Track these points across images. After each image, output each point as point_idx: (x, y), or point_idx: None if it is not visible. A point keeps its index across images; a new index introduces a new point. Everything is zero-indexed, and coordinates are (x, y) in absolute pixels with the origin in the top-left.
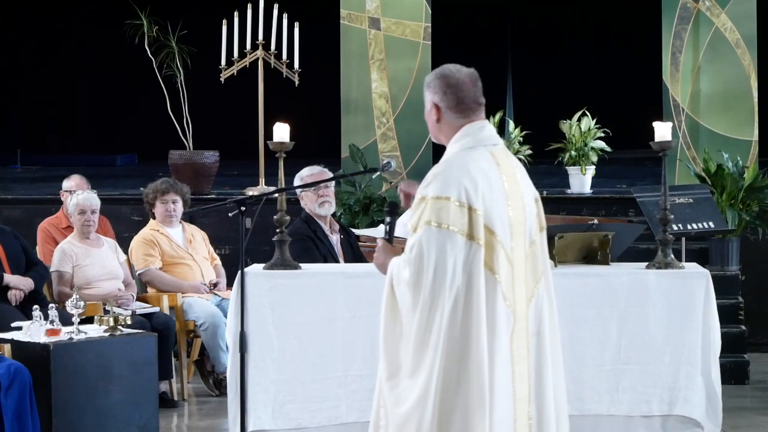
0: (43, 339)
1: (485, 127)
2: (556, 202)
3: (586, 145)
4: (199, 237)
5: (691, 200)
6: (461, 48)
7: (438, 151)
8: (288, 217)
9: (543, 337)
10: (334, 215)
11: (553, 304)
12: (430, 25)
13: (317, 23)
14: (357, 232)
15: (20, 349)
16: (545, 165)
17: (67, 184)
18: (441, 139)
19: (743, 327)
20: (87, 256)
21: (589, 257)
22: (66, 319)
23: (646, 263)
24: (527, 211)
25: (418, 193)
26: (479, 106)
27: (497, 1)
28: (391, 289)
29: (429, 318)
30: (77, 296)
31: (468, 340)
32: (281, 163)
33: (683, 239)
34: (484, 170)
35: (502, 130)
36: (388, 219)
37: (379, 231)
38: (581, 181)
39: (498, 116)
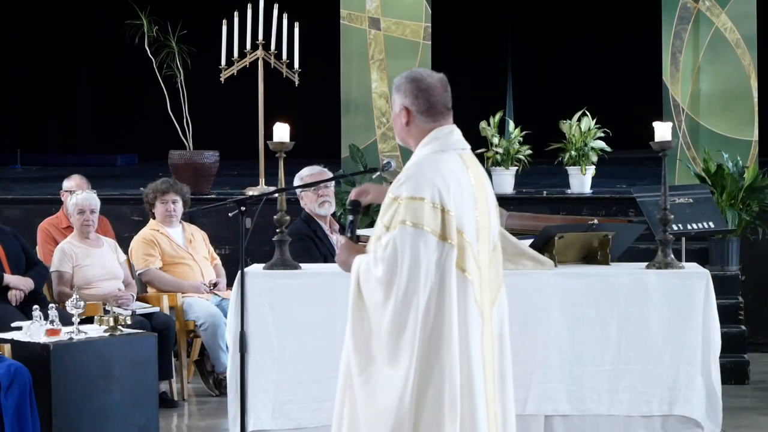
0: (43, 339)
1: (454, 132)
2: (556, 202)
3: (586, 145)
4: (199, 237)
5: (691, 200)
6: (461, 48)
7: None
8: (288, 217)
9: (504, 339)
10: (334, 215)
11: (507, 308)
12: (430, 25)
13: (317, 23)
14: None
15: (20, 349)
16: (545, 165)
17: (67, 184)
18: (408, 141)
19: (743, 327)
20: (87, 256)
21: (589, 257)
22: (66, 319)
23: (646, 263)
24: (491, 215)
25: (390, 192)
26: (448, 111)
27: (497, 1)
28: (358, 286)
29: (403, 315)
30: (77, 296)
31: (440, 340)
32: (281, 163)
33: (683, 239)
34: (454, 173)
35: (502, 130)
36: (350, 217)
37: None
38: (581, 181)
39: (498, 116)
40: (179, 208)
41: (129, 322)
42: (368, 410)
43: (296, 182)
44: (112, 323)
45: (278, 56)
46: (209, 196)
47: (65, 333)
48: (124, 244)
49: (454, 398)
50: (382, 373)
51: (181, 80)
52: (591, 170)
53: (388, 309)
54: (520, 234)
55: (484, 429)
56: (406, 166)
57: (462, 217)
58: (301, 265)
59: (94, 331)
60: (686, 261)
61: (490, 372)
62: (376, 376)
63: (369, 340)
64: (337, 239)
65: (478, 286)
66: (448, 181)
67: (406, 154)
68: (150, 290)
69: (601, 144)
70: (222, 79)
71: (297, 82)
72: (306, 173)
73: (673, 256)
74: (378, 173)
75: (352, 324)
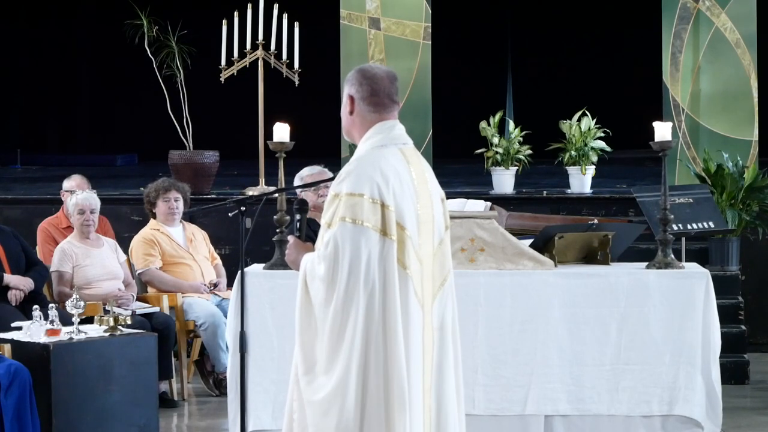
0: (43, 339)
1: (396, 126)
2: (556, 202)
3: (586, 145)
4: (199, 237)
5: (691, 200)
6: (461, 48)
7: (439, 150)
8: (288, 217)
9: (445, 332)
10: None
11: (455, 301)
12: (430, 25)
13: (317, 23)
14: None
15: (20, 349)
16: (545, 165)
17: (67, 184)
18: (353, 134)
19: (743, 327)
20: (87, 256)
21: (589, 257)
22: (66, 319)
23: (646, 263)
24: (435, 209)
25: (332, 189)
26: (393, 103)
27: (497, 2)
28: (305, 284)
29: (344, 313)
30: (77, 296)
31: (386, 334)
32: (281, 163)
33: (683, 239)
34: (395, 168)
35: (502, 130)
36: (298, 216)
37: None
38: (581, 181)
39: (498, 116)
40: (181, 206)
41: (129, 322)
42: (312, 408)
43: (296, 182)
44: (112, 323)
45: (278, 56)
46: (209, 196)
47: (65, 333)
48: (124, 244)
49: (402, 394)
50: (320, 380)
51: (181, 80)
52: (591, 170)
53: (330, 307)
54: (520, 234)
55: (418, 422)
56: (348, 163)
57: (402, 212)
58: None
59: (94, 331)
60: (686, 261)
61: (428, 364)
62: (317, 381)
63: (314, 340)
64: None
65: (418, 281)
66: (387, 176)
67: None
68: (150, 290)
69: (601, 144)
70: (222, 79)
71: (297, 82)
72: (306, 173)
73: (673, 256)
74: None
75: (300, 322)
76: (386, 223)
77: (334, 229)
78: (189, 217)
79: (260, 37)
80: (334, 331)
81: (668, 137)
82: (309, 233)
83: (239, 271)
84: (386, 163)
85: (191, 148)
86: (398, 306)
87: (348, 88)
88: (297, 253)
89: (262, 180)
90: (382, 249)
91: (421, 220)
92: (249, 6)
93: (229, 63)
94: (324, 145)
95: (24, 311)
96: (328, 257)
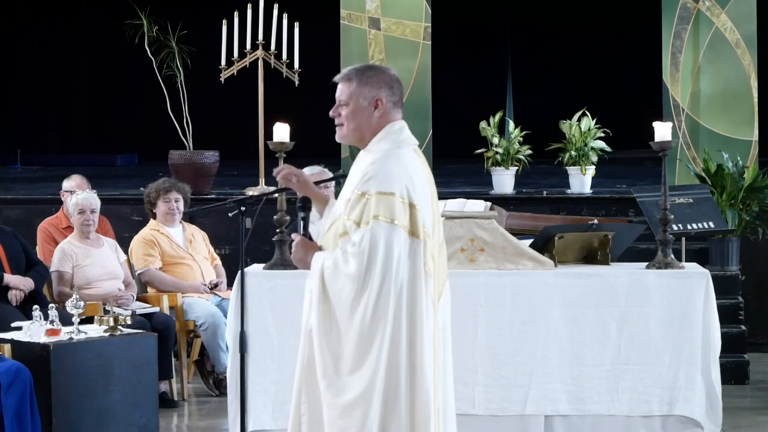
0: (43, 339)
1: (405, 127)
2: (556, 202)
3: (586, 145)
4: (199, 237)
5: (691, 200)
6: (461, 48)
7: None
8: (288, 217)
9: (447, 331)
10: None
11: (450, 302)
12: (430, 25)
13: (317, 23)
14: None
15: (20, 349)
16: (545, 165)
17: (67, 184)
18: (365, 134)
19: (743, 327)
20: (87, 256)
21: (589, 257)
22: (66, 319)
23: (646, 263)
24: (439, 211)
25: (357, 189)
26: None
27: (497, 1)
28: (323, 284)
29: (375, 312)
30: (77, 296)
31: (412, 336)
32: (281, 163)
33: (683, 239)
34: (415, 168)
35: (502, 130)
36: (302, 215)
37: None
38: (581, 181)
39: (498, 116)
40: (181, 206)
41: (129, 322)
42: (335, 410)
43: None
44: (112, 323)
45: (278, 56)
46: (209, 196)
47: (65, 333)
48: (124, 244)
49: (429, 396)
50: (345, 380)
51: (181, 80)
52: (591, 170)
53: (360, 306)
54: (520, 234)
55: (432, 423)
56: (368, 162)
57: (424, 212)
58: None
59: (94, 331)
60: (686, 261)
61: (437, 365)
62: (342, 381)
63: (340, 339)
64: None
65: (433, 280)
66: (412, 177)
67: None
68: (150, 290)
69: (601, 144)
70: (222, 79)
71: (297, 82)
72: (306, 173)
73: (673, 256)
74: None
75: (321, 324)
76: (414, 222)
77: (366, 227)
78: (189, 217)
79: (260, 37)
80: (364, 330)
81: (668, 137)
82: (309, 233)
83: (239, 271)
84: (409, 164)
85: (191, 148)
86: (424, 307)
87: (374, 90)
88: (305, 251)
89: (262, 180)
90: (410, 249)
91: (434, 220)
92: (249, 6)
93: (229, 63)
94: (324, 145)
95: (24, 311)
96: (361, 255)
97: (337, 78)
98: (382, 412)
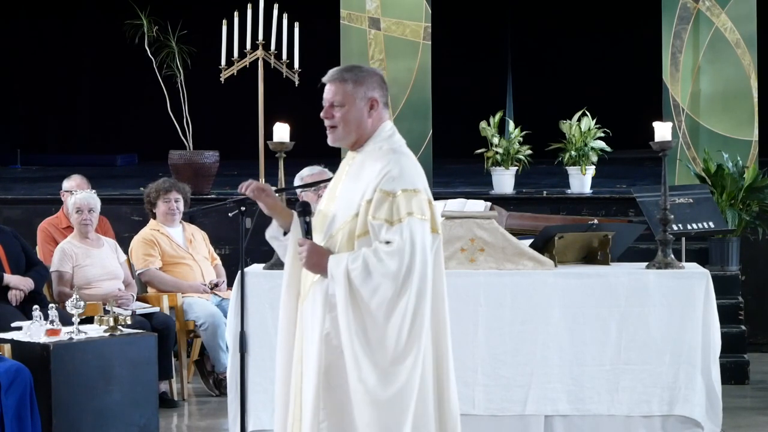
0: (43, 339)
1: (395, 127)
2: (556, 202)
3: (586, 145)
4: (199, 237)
5: (691, 200)
6: (461, 48)
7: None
8: None
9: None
10: None
11: None
12: (430, 25)
13: (317, 23)
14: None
15: (20, 349)
16: (545, 165)
17: (67, 184)
18: (361, 137)
19: (743, 327)
20: (87, 256)
21: (589, 257)
22: (66, 319)
23: (646, 263)
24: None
25: (381, 187)
26: None
27: (497, 1)
28: (350, 287)
29: (417, 307)
30: (77, 296)
31: (438, 328)
32: (281, 163)
33: (683, 239)
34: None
35: (502, 130)
36: (306, 219)
37: None
38: (581, 181)
39: (498, 116)
40: (181, 206)
41: (129, 322)
42: (378, 408)
43: (296, 182)
44: (112, 323)
45: (278, 56)
46: (209, 196)
47: (65, 333)
48: (124, 244)
49: (454, 392)
50: (393, 368)
51: (181, 80)
52: (591, 170)
53: (403, 300)
54: (520, 234)
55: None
56: (380, 164)
57: (436, 209)
58: None
59: (94, 331)
60: (686, 261)
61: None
62: (391, 370)
63: (380, 336)
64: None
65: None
66: (422, 174)
67: None
68: (150, 290)
69: (601, 144)
70: (222, 79)
71: (297, 82)
72: (306, 173)
73: (673, 256)
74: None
75: (356, 326)
76: (434, 218)
77: (403, 224)
78: (189, 217)
79: (260, 37)
80: (405, 326)
81: (668, 137)
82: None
83: (239, 271)
84: (415, 162)
85: (191, 148)
86: (446, 301)
87: (369, 91)
88: (320, 256)
89: (262, 180)
90: (433, 243)
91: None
92: (249, 6)
93: (229, 63)
94: (324, 145)
95: (24, 311)
96: (401, 252)
97: (327, 78)
98: (415, 409)
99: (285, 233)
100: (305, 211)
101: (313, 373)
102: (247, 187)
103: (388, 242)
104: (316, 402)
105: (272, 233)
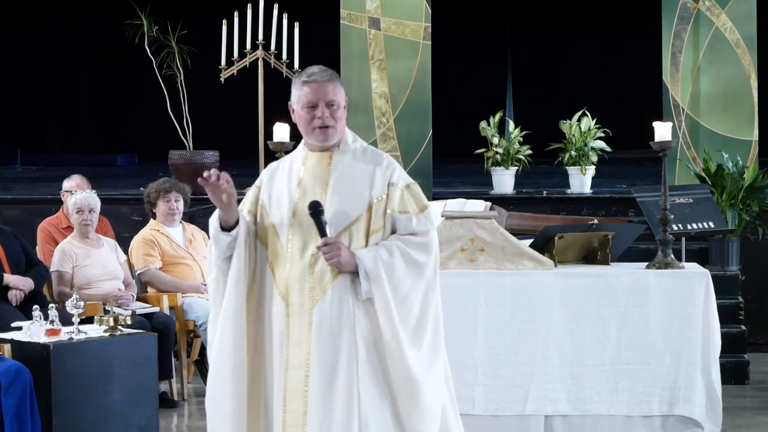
0: (43, 339)
1: None
2: (556, 202)
3: (586, 145)
4: (199, 237)
5: (691, 200)
6: (461, 48)
7: (439, 150)
8: None
9: None
10: None
11: None
12: (430, 25)
13: (317, 23)
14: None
15: (20, 349)
16: (545, 165)
17: (67, 184)
18: (342, 136)
19: (743, 327)
20: (87, 256)
21: (589, 257)
22: (66, 319)
23: (646, 263)
24: None
25: (394, 184)
26: None
27: (497, 2)
28: (389, 279)
29: (435, 292)
30: (77, 296)
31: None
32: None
33: (683, 239)
34: None
35: (502, 130)
36: (324, 218)
37: None
38: (581, 181)
39: (498, 116)
40: (181, 206)
41: (129, 322)
42: (433, 403)
43: None
44: (112, 323)
45: (278, 56)
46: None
47: (65, 333)
48: (124, 244)
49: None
50: (438, 360)
51: (181, 80)
52: (591, 170)
53: (437, 287)
54: (520, 234)
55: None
56: (380, 157)
57: None
58: None
59: (94, 331)
60: (686, 261)
61: None
62: (436, 364)
63: (425, 325)
64: None
65: None
66: None
67: (406, 153)
68: (150, 290)
69: (601, 144)
70: (222, 79)
71: None
72: None
73: (673, 256)
74: None
75: (399, 317)
76: None
77: (422, 215)
78: (189, 217)
79: (260, 37)
80: (438, 313)
81: (668, 137)
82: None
83: None
84: None
85: (191, 148)
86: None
87: (343, 92)
88: (347, 251)
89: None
90: None
91: None
92: (249, 6)
93: (229, 63)
94: None
95: (24, 311)
96: (431, 243)
97: (325, 77)
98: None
99: (224, 229)
100: (321, 210)
101: (343, 368)
102: (217, 176)
103: (414, 233)
104: (347, 413)
105: (216, 236)
